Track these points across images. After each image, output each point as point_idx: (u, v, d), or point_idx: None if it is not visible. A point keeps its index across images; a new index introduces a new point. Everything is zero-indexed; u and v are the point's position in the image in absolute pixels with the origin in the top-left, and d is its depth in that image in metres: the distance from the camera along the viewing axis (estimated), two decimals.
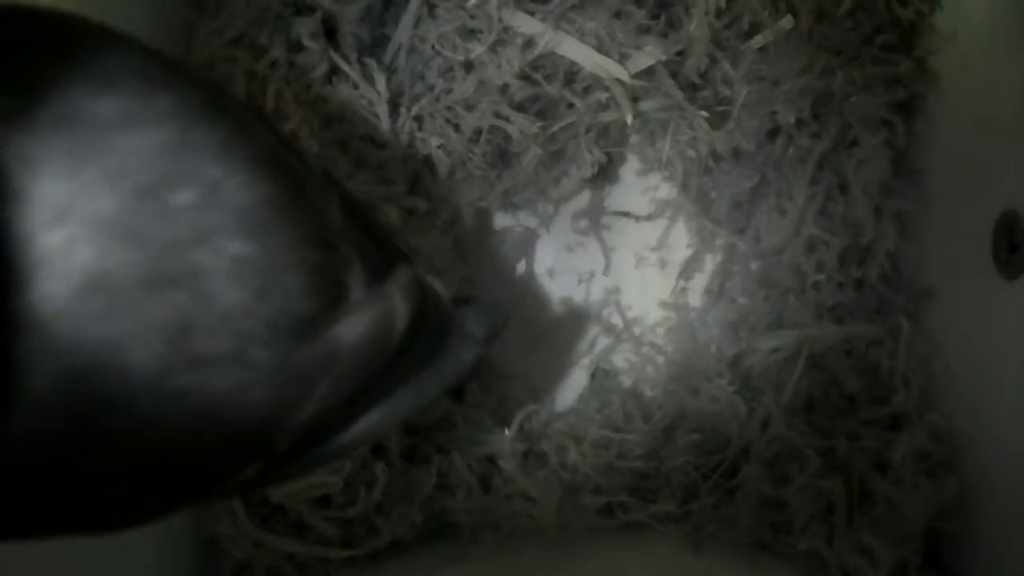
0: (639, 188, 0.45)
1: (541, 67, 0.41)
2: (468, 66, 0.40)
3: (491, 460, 0.43)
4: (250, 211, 0.20)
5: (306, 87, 0.40)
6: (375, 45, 0.40)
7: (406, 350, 0.25)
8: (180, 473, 0.21)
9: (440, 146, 0.41)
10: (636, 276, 0.46)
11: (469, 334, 0.30)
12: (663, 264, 0.45)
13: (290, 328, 0.21)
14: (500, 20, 0.40)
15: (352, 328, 0.23)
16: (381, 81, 0.40)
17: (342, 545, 0.40)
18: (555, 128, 0.42)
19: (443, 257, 0.42)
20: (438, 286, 0.30)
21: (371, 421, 0.26)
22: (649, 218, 0.45)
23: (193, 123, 0.20)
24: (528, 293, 0.46)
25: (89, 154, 0.18)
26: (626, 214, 0.45)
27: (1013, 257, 0.35)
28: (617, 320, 0.45)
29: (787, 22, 0.41)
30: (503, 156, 0.42)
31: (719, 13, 0.41)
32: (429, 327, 0.27)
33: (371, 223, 0.28)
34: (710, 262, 0.45)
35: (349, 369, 0.23)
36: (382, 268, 0.25)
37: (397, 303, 0.24)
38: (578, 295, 0.45)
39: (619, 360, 0.45)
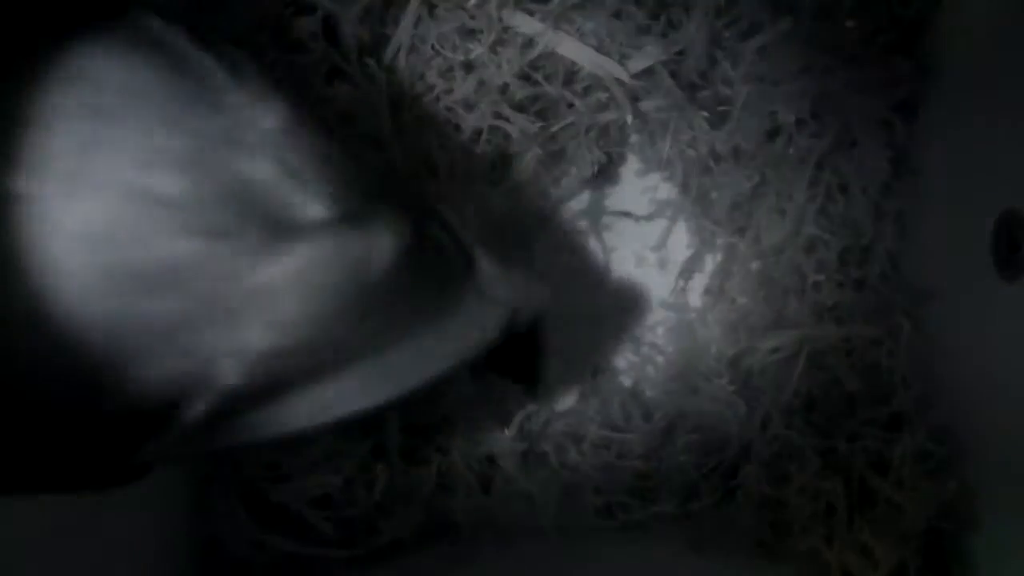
0: (639, 188, 0.45)
1: (541, 67, 0.41)
2: (468, 66, 0.40)
3: (491, 460, 0.43)
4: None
5: (306, 87, 0.40)
6: (375, 45, 0.40)
7: (392, 297, 0.23)
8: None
9: (440, 146, 0.41)
10: (636, 276, 0.46)
11: (494, 298, 0.27)
12: (663, 264, 0.45)
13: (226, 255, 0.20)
14: (500, 20, 0.40)
15: (300, 262, 0.21)
16: (381, 81, 0.40)
17: (342, 545, 0.40)
18: (555, 128, 0.42)
19: None
20: (464, 241, 0.27)
21: (352, 385, 0.23)
22: (649, 218, 0.45)
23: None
24: (528, 293, 0.46)
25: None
26: (626, 214, 0.45)
27: (1013, 257, 0.35)
28: (616, 321, 0.45)
29: (787, 22, 0.41)
30: (503, 156, 0.42)
31: (719, 13, 0.41)
32: (429, 276, 0.25)
33: (385, 171, 0.26)
34: (710, 262, 0.45)
35: (297, 303, 0.21)
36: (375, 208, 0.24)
37: (381, 230, 0.23)
38: (578, 295, 0.45)
39: (619, 360, 0.45)
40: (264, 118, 0.22)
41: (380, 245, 0.23)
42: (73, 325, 0.19)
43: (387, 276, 0.23)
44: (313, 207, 0.22)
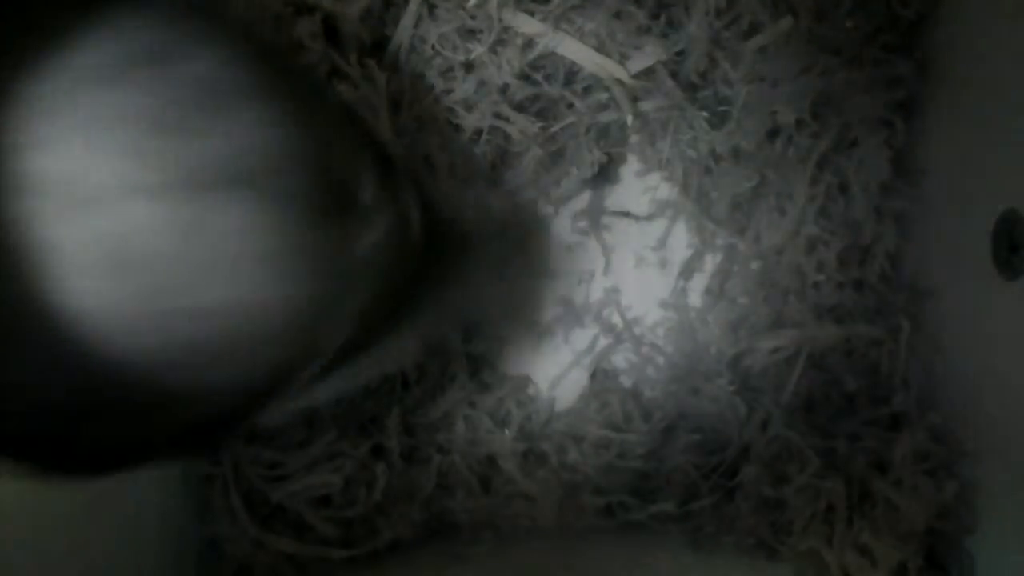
0: (639, 188, 0.45)
1: (541, 67, 0.41)
2: (468, 66, 0.40)
3: (491, 460, 0.43)
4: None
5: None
6: (375, 45, 0.40)
7: (421, 269, 0.24)
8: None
9: (440, 146, 0.41)
10: (636, 276, 0.46)
11: (491, 258, 0.29)
12: (663, 264, 0.45)
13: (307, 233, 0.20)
14: (500, 20, 0.40)
15: (369, 237, 0.22)
16: (381, 81, 0.40)
17: (342, 545, 0.40)
18: (555, 128, 0.42)
19: None
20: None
21: (409, 337, 0.25)
22: (649, 218, 0.45)
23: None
24: (528, 293, 0.46)
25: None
26: (626, 214, 0.45)
27: (1013, 257, 0.35)
28: (617, 320, 0.45)
29: (787, 22, 0.41)
30: (503, 156, 0.42)
31: (719, 13, 0.41)
32: (442, 246, 0.26)
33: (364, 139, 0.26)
34: (710, 262, 0.45)
35: (375, 272, 0.22)
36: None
37: (409, 211, 0.23)
38: (578, 295, 0.45)
39: (619, 360, 0.45)
40: (331, 96, 0.23)
41: (412, 222, 0.23)
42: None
43: (417, 250, 0.24)
44: (365, 189, 0.22)
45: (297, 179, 0.20)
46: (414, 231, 0.24)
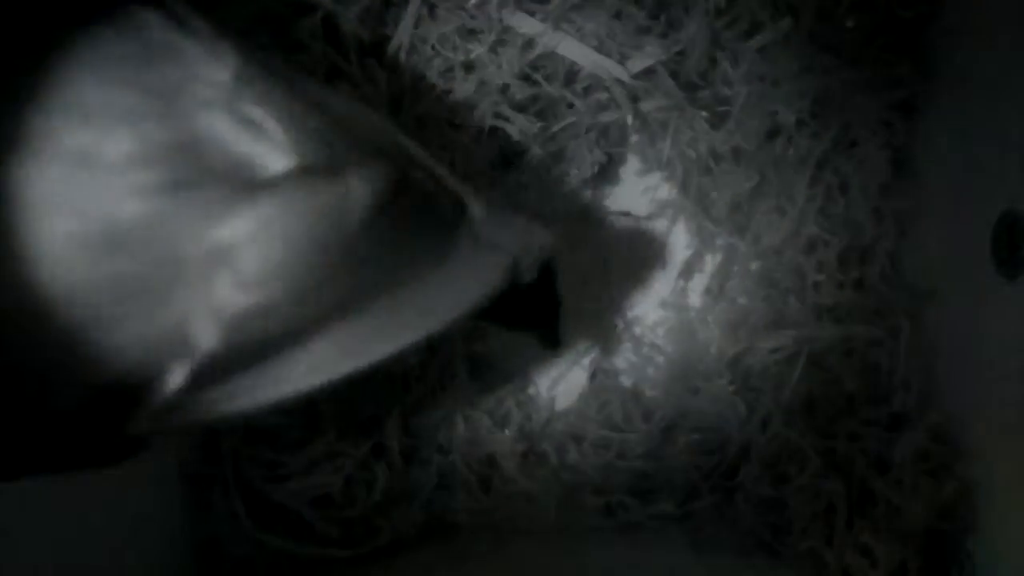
0: (639, 188, 0.45)
1: (541, 67, 0.41)
2: (468, 66, 0.40)
3: (491, 460, 0.43)
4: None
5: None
6: (375, 45, 0.40)
7: (375, 248, 0.22)
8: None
9: (440, 146, 0.41)
10: (636, 276, 0.45)
11: (492, 244, 0.26)
12: (663, 264, 0.45)
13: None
14: (500, 20, 0.40)
15: (263, 215, 0.21)
16: (381, 81, 0.40)
17: (342, 545, 0.40)
18: (555, 128, 0.42)
19: None
20: (454, 187, 0.26)
21: (344, 344, 0.23)
22: (649, 218, 0.45)
23: None
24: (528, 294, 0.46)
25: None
26: (626, 214, 0.45)
27: (1013, 257, 0.35)
28: (617, 320, 0.45)
29: (787, 22, 0.41)
30: (503, 156, 0.42)
31: (719, 13, 0.41)
32: (416, 225, 0.24)
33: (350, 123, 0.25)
34: (710, 262, 0.45)
35: (265, 258, 0.21)
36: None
37: (354, 182, 0.22)
38: (578, 295, 0.45)
39: (619, 360, 0.45)
40: (216, 71, 0.22)
41: (354, 195, 0.22)
42: (42, 296, 0.19)
43: (365, 226, 0.22)
44: (275, 159, 0.21)
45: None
46: (355, 209, 0.22)
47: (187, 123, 0.21)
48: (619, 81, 0.41)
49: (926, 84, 0.42)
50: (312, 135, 0.23)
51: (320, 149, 0.22)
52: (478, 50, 0.40)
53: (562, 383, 0.45)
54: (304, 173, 0.22)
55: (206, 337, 0.20)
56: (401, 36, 0.40)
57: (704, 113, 0.42)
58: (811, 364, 0.42)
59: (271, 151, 0.21)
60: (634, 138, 0.44)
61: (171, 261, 0.20)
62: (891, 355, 0.42)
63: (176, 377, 0.21)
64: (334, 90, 0.28)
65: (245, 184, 0.21)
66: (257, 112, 0.22)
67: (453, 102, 0.40)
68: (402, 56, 0.40)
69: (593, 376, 0.45)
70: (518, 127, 0.41)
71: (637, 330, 0.45)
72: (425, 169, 0.26)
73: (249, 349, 0.21)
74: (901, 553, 0.38)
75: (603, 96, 0.41)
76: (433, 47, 0.40)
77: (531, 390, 0.45)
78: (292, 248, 0.21)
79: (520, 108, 0.41)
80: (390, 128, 0.27)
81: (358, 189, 0.22)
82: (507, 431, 0.43)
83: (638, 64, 0.41)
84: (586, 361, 0.45)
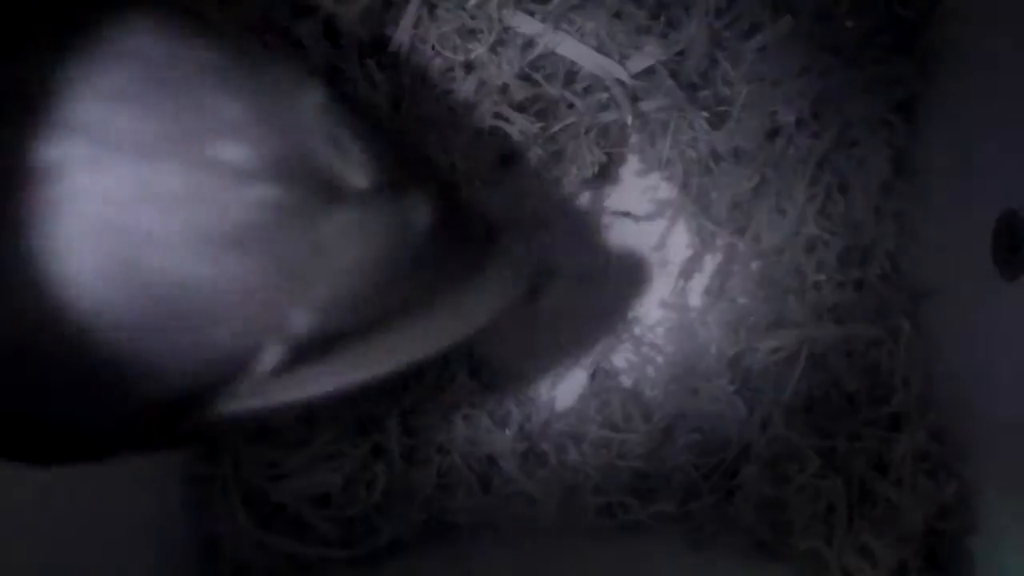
0: (639, 188, 0.45)
1: (541, 67, 0.41)
2: (468, 66, 0.40)
3: (491, 460, 0.43)
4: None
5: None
6: (375, 45, 0.40)
7: (430, 259, 0.25)
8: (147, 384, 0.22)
9: (440, 147, 0.41)
10: (636, 276, 0.46)
11: (516, 257, 0.30)
12: (663, 264, 0.45)
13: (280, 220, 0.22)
14: (500, 20, 0.40)
15: (350, 221, 0.23)
16: (381, 81, 0.40)
17: (342, 545, 0.40)
18: (555, 128, 0.42)
19: None
20: (480, 211, 0.30)
21: (405, 338, 0.26)
22: (649, 218, 0.45)
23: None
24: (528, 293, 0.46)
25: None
26: (626, 214, 0.45)
27: (1013, 257, 0.35)
28: (617, 320, 0.45)
29: (787, 22, 0.41)
30: (503, 156, 0.42)
31: (719, 13, 0.41)
32: (459, 241, 0.28)
33: (398, 142, 0.29)
34: (710, 262, 0.45)
35: (351, 257, 0.23)
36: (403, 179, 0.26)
37: (415, 201, 0.25)
38: (578, 295, 0.45)
39: (619, 360, 0.45)
40: (309, 93, 0.25)
41: (417, 212, 0.25)
42: (160, 283, 0.21)
43: (424, 240, 0.25)
44: (356, 176, 0.24)
45: (275, 163, 0.22)
46: (418, 223, 0.25)
47: (289, 138, 0.23)
48: (619, 81, 0.41)
49: (926, 84, 0.42)
50: (380, 157, 0.25)
51: (386, 170, 0.25)
52: (478, 50, 0.40)
53: (562, 383, 0.45)
54: (376, 191, 0.24)
55: (299, 324, 0.23)
56: (401, 36, 0.40)
57: (704, 113, 0.42)
58: (811, 364, 0.42)
59: (353, 170, 0.24)
60: (634, 138, 0.44)
61: (276, 258, 0.22)
62: (891, 355, 0.42)
63: (269, 357, 0.23)
64: (378, 117, 0.31)
65: (334, 195, 0.23)
66: (341, 134, 0.24)
67: (453, 102, 0.40)
68: (402, 56, 0.40)
69: (593, 376, 0.45)
70: (518, 127, 0.41)
71: (637, 330, 0.45)
72: (460, 195, 0.31)
73: (331, 336, 0.24)
74: (901, 553, 0.38)
75: (603, 96, 0.41)
76: (433, 47, 0.40)
77: (531, 390, 0.45)
78: (369, 253, 0.24)
79: (520, 108, 0.41)
80: (424, 156, 0.32)
81: (420, 208, 0.25)
82: (507, 431, 0.43)
83: (638, 64, 0.41)
84: (586, 361, 0.45)
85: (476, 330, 0.27)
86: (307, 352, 0.23)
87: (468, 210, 0.30)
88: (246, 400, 0.23)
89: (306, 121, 0.24)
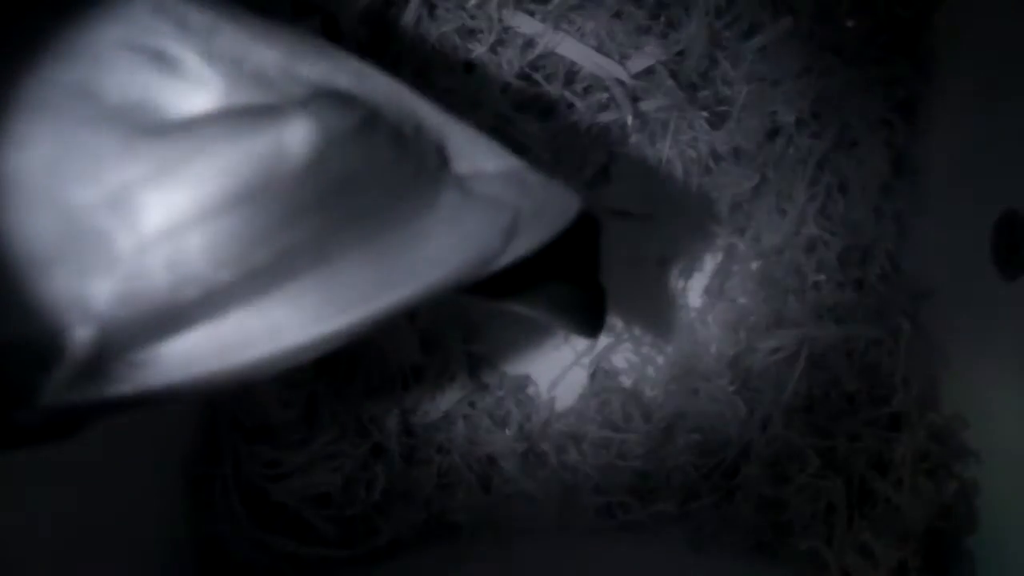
0: (639, 188, 0.45)
1: (541, 67, 0.41)
2: (468, 66, 0.40)
3: (491, 460, 0.43)
4: None
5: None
6: (375, 45, 0.40)
7: (326, 197, 0.20)
8: None
9: None
10: (636, 276, 0.45)
11: (487, 197, 0.23)
12: (663, 264, 0.45)
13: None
14: (500, 20, 0.40)
15: (169, 149, 0.19)
16: None
17: (342, 545, 0.40)
18: (555, 128, 0.42)
19: None
20: (437, 131, 0.23)
21: (301, 306, 0.20)
22: (649, 218, 0.45)
23: None
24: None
25: None
26: (626, 214, 0.45)
27: (1013, 257, 0.35)
28: (617, 320, 0.45)
29: (787, 22, 0.41)
30: None
31: (719, 13, 0.41)
32: (384, 172, 0.22)
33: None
34: (710, 262, 0.45)
35: (170, 207, 0.18)
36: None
37: (292, 124, 0.20)
38: None
39: (619, 360, 0.45)
40: (133, 7, 0.21)
41: (292, 138, 0.20)
42: None
43: (311, 174, 0.20)
44: (191, 98, 0.20)
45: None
46: (294, 154, 0.20)
47: (90, 65, 0.19)
48: (619, 81, 0.41)
49: (926, 84, 0.42)
50: (251, 74, 0.21)
51: (258, 90, 0.20)
52: (478, 50, 0.40)
53: (562, 383, 0.45)
54: (228, 114, 0.20)
55: (103, 296, 0.18)
56: (401, 36, 0.40)
57: (704, 113, 0.42)
58: (811, 364, 0.42)
59: (187, 90, 0.20)
60: (634, 138, 0.44)
61: (64, 213, 0.18)
62: (891, 355, 0.42)
63: (80, 339, 0.18)
64: (307, 34, 0.24)
65: (146, 126, 0.19)
66: (174, 48, 0.20)
67: (453, 102, 0.40)
68: (402, 56, 0.40)
69: (593, 376, 0.45)
70: (518, 127, 0.41)
71: (637, 330, 0.45)
72: (406, 114, 0.23)
73: (167, 310, 0.19)
74: (901, 553, 0.38)
75: (603, 96, 0.41)
76: (433, 47, 0.40)
77: (531, 390, 0.45)
78: (206, 198, 0.19)
79: (520, 108, 0.41)
80: (368, 70, 0.24)
81: (298, 132, 0.20)
82: (507, 431, 0.43)
83: (638, 64, 0.41)
84: (586, 361, 0.45)
85: (429, 290, 0.21)
86: (141, 329, 0.19)
87: (411, 129, 0.23)
88: (83, 386, 0.19)
89: (119, 42, 0.20)
